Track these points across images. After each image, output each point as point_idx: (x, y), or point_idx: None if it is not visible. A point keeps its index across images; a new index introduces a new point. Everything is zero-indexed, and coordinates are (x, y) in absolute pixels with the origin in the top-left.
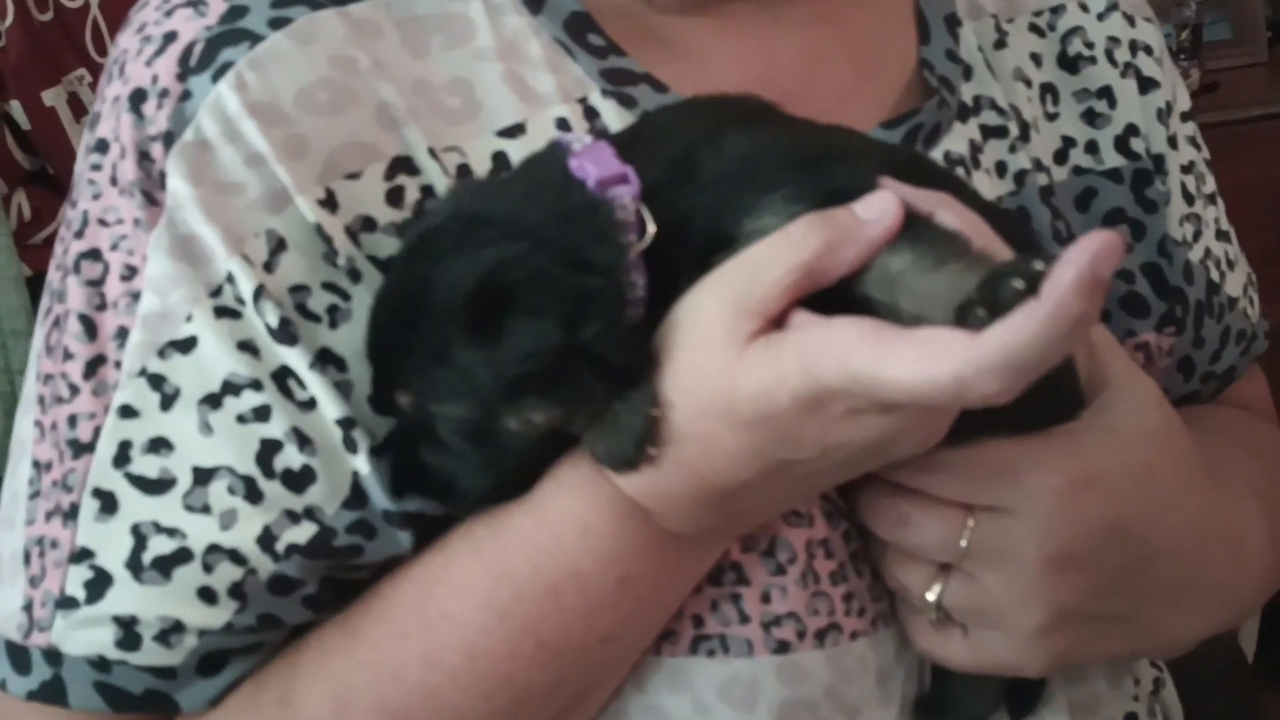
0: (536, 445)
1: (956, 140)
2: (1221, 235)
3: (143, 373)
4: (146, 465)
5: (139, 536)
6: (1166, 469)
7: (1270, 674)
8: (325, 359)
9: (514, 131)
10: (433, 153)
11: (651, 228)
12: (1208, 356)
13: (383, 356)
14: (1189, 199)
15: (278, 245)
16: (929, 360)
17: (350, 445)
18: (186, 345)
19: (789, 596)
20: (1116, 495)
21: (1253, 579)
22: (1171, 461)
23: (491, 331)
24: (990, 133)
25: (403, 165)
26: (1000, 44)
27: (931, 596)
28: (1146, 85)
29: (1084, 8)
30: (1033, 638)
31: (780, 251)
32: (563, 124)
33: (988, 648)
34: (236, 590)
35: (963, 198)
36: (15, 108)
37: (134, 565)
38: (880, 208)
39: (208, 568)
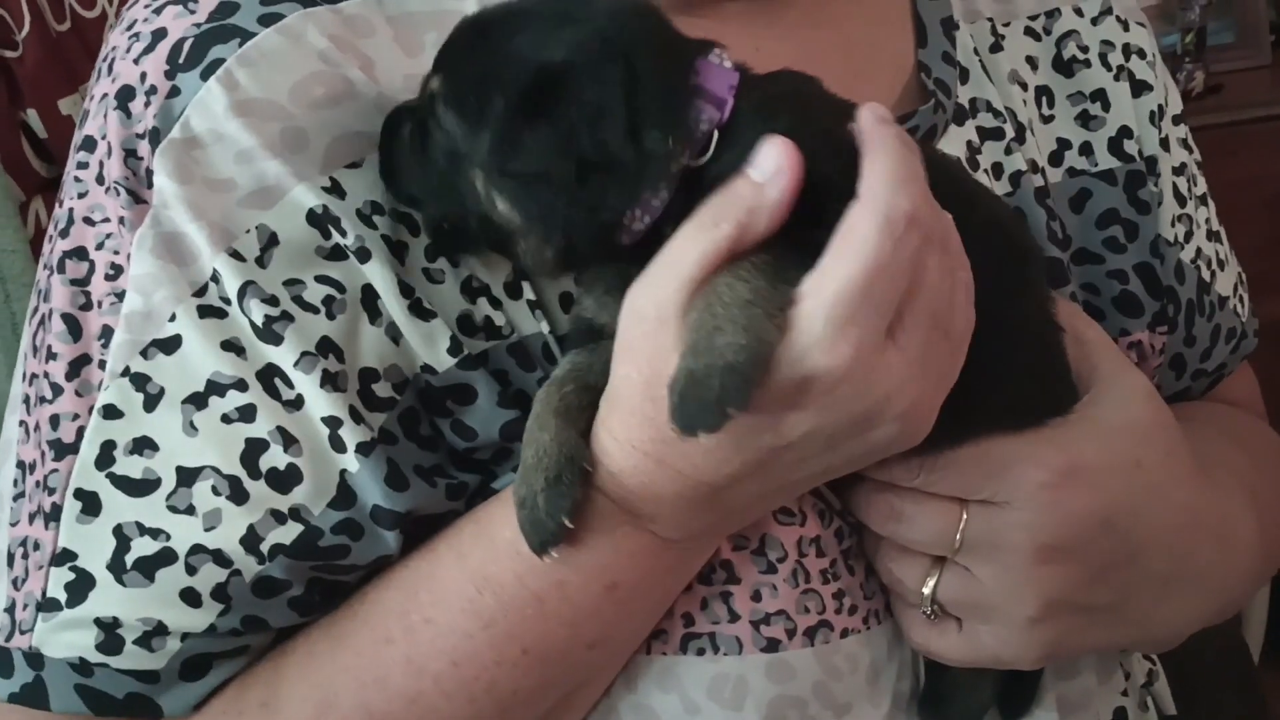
0: (482, 224)
1: (954, 142)
2: (1212, 235)
3: (126, 373)
4: (130, 466)
5: (122, 538)
6: (1155, 462)
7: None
8: (325, 348)
9: None
10: None
11: (708, 155)
12: (1199, 354)
13: (453, 42)
14: (1181, 200)
15: (270, 240)
16: (850, 247)
17: (338, 444)
18: (170, 345)
19: (779, 595)
20: (1104, 488)
21: (1241, 571)
22: (1160, 454)
23: (528, 114)
24: (987, 135)
25: None
26: (996, 47)
27: (927, 590)
28: (1139, 88)
29: (1079, 12)
30: (1025, 629)
31: (696, 244)
32: None
33: (982, 641)
34: (220, 592)
35: (967, 191)
36: (32, 116)
37: (116, 567)
38: (774, 162)
39: (191, 569)
